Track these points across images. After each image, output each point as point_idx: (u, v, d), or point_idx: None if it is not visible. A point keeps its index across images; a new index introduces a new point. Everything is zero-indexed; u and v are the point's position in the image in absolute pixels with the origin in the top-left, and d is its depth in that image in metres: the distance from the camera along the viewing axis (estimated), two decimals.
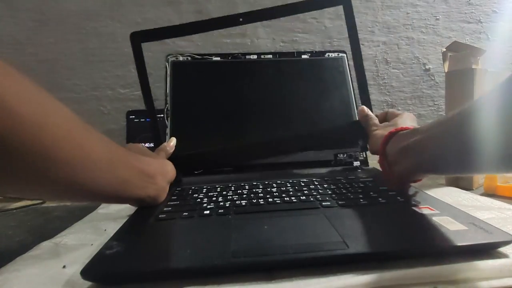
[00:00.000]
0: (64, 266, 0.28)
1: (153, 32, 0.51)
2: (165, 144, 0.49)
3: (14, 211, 0.54)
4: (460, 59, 0.55)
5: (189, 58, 0.57)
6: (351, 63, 0.55)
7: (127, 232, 0.31)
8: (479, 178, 0.54)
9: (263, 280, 0.23)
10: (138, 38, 0.49)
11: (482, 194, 0.47)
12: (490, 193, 0.48)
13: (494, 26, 0.79)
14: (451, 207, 0.32)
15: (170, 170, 0.41)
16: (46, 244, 0.34)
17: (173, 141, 0.50)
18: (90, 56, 0.74)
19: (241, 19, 0.51)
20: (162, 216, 0.33)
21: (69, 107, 0.26)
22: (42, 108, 0.23)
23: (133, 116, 0.72)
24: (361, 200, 0.35)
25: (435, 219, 0.29)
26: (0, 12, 0.71)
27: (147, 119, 0.71)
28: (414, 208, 0.32)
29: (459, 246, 0.25)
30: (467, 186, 0.53)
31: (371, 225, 0.28)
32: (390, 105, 0.78)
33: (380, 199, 0.35)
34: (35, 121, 0.22)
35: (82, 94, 0.73)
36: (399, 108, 0.78)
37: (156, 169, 0.36)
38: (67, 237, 0.36)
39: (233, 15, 0.50)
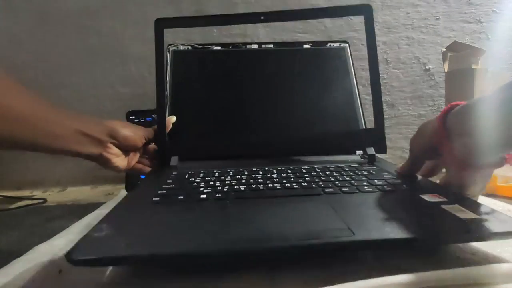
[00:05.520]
0: (60, 271, 0.27)
1: (177, 20, 0.53)
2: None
3: (14, 211, 0.54)
4: (460, 59, 0.55)
5: (190, 47, 0.57)
6: (354, 53, 0.55)
7: (119, 215, 0.29)
8: None
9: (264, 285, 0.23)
10: (162, 24, 0.50)
11: (482, 194, 0.47)
12: (490, 193, 0.48)
13: (494, 26, 0.78)
14: (459, 195, 0.31)
15: (120, 132, 0.42)
16: (42, 247, 0.33)
17: (172, 119, 0.50)
18: (90, 54, 0.73)
19: (262, 17, 0.51)
20: (156, 199, 0.32)
21: (69, 106, 0.26)
22: None
23: (133, 117, 0.72)
24: (366, 187, 0.34)
25: (445, 207, 0.28)
26: (0, 10, 0.71)
27: (148, 119, 0.71)
28: (422, 195, 0.31)
29: (472, 234, 0.24)
30: None
31: (377, 213, 0.27)
32: (390, 105, 0.78)
33: (385, 186, 0.34)
34: None
35: (82, 93, 0.73)
36: (399, 108, 0.78)
37: (97, 131, 0.39)
38: (65, 238, 0.36)
39: (255, 13, 0.51)
